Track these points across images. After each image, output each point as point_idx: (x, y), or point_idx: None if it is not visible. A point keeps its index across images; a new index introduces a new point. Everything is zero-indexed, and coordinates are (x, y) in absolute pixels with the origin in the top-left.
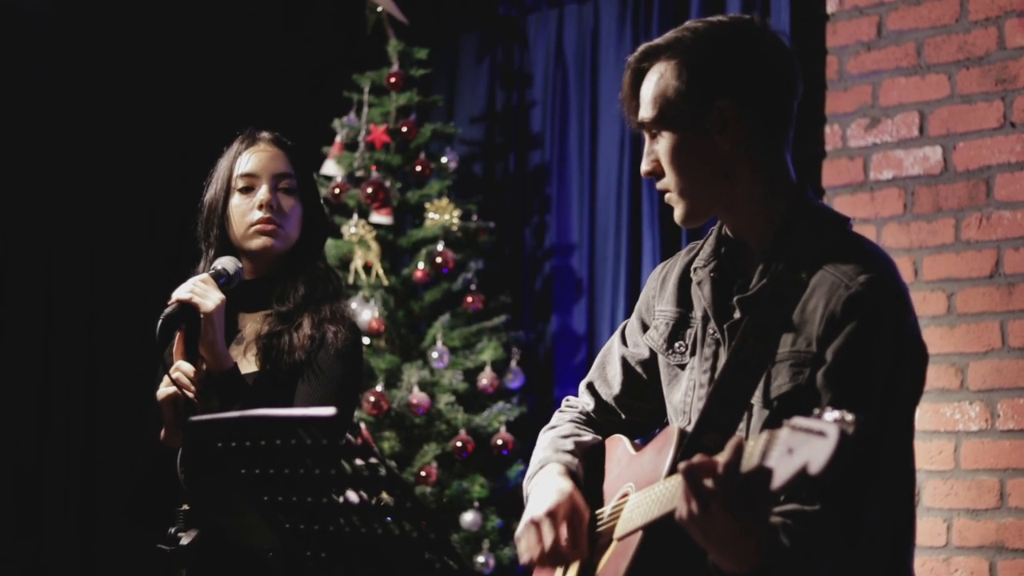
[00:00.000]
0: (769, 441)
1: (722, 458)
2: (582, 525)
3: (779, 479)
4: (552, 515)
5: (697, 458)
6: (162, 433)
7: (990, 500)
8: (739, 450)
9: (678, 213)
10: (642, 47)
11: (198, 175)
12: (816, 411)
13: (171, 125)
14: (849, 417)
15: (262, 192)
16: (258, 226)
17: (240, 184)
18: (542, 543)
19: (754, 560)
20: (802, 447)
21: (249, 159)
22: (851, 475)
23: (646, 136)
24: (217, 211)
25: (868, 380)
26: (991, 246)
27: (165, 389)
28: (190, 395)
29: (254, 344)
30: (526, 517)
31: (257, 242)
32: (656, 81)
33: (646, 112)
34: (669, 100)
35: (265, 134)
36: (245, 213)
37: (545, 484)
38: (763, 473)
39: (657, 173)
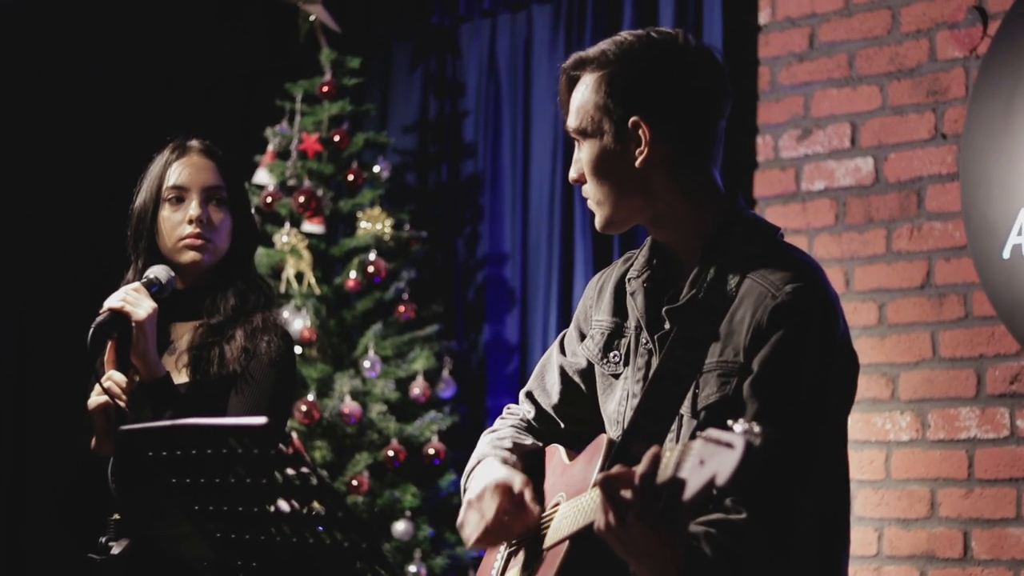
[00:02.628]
0: (683, 452)
1: (639, 469)
2: (524, 497)
3: (691, 490)
4: (492, 489)
5: (614, 469)
6: (92, 442)
7: (921, 510)
8: (655, 461)
9: (598, 220)
10: (574, 56)
11: (129, 182)
12: (729, 422)
13: (101, 131)
14: (757, 428)
15: (192, 207)
16: (187, 241)
17: (170, 196)
18: (485, 517)
19: (673, 571)
20: (712, 458)
21: (179, 171)
22: (778, 483)
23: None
24: (146, 221)
25: (794, 390)
26: (922, 257)
27: (96, 398)
28: (121, 404)
29: (186, 355)
30: (465, 502)
31: (187, 256)
32: (582, 91)
33: (571, 120)
34: (588, 111)
35: (195, 143)
36: (175, 226)
37: (483, 471)
38: (676, 484)
39: (581, 181)
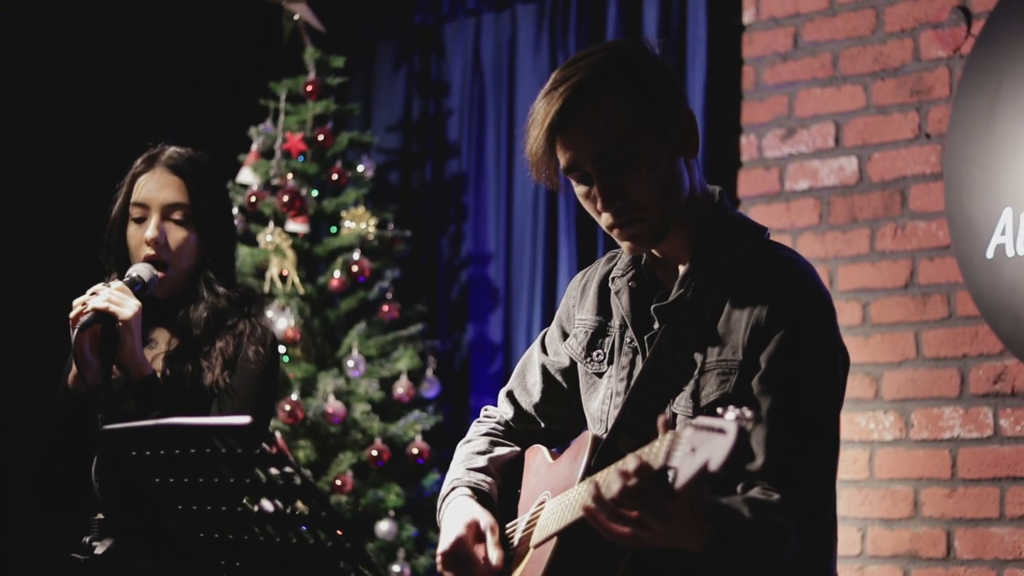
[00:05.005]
0: (673, 441)
1: (630, 482)
2: (493, 545)
3: (683, 477)
4: (461, 541)
5: (602, 486)
6: (70, 378)
7: (904, 509)
8: (644, 464)
9: (647, 233)
10: (568, 91)
11: (111, 182)
12: (719, 410)
13: (86, 130)
14: (748, 414)
15: (150, 228)
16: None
17: (134, 213)
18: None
19: (698, 539)
20: (704, 445)
21: (143, 186)
22: (808, 470)
23: (596, 172)
24: (114, 235)
25: (809, 381)
26: (906, 256)
27: (83, 319)
28: (116, 309)
29: (162, 360)
30: (439, 550)
31: None
32: (614, 107)
33: (614, 138)
34: (639, 118)
35: (165, 156)
36: (137, 245)
37: (453, 513)
38: (668, 472)
39: (619, 205)
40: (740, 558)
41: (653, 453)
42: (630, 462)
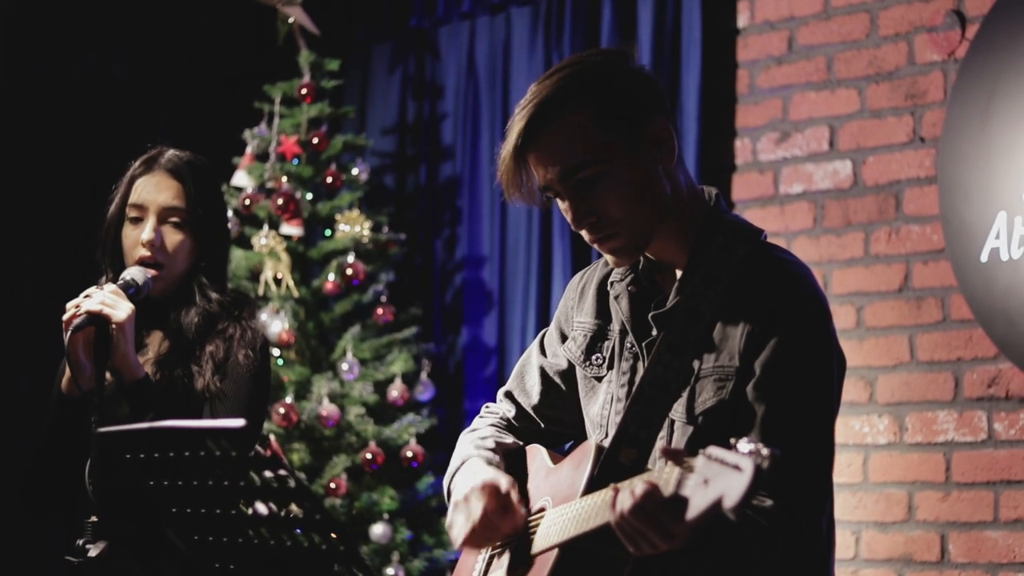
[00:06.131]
0: (685, 469)
1: (640, 492)
2: (511, 499)
3: (695, 509)
4: (479, 490)
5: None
6: (64, 383)
7: (898, 513)
8: (654, 488)
9: (626, 247)
10: (531, 110)
11: (105, 183)
12: (732, 440)
13: (79, 133)
14: (765, 451)
15: (147, 230)
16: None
17: (131, 214)
18: (472, 518)
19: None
20: (717, 479)
21: (142, 188)
22: (804, 480)
23: (565, 192)
24: (110, 236)
25: (804, 388)
26: (900, 260)
27: (71, 327)
28: (109, 311)
29: (153, 364)
30: (451, 503)
31: None
32: (576, 126)
33: (577, 157)
34: (603, 135)
35: (164, 160)
36: (132, 246)
37: (470, 472)
38: (679, 502)
39: (591, 222)
40: (720, 559)
41: (664, 479)
42: (639, 487)
